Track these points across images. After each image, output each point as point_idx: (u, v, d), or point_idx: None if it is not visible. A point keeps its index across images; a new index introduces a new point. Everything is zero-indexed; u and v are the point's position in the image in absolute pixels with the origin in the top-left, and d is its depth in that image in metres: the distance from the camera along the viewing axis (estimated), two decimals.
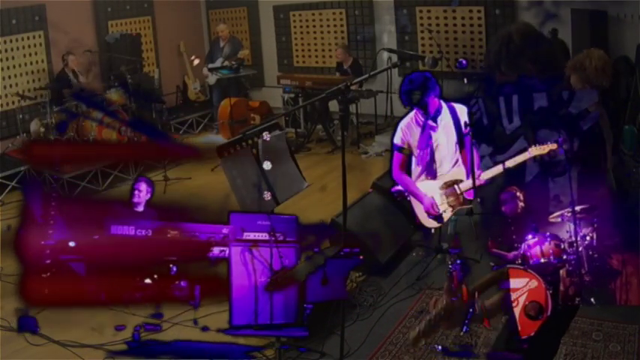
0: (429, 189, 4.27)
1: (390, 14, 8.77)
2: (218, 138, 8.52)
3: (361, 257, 3.64)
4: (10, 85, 7.77)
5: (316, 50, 9.65)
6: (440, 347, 3.75)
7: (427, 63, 7.56)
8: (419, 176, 4.35)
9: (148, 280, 4.27)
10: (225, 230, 4.03)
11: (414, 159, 4.34)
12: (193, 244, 4.14)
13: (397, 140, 4.30)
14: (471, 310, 3.98)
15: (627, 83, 5.83)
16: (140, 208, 4.69)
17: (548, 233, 3.98)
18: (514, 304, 3.68)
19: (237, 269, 3.64)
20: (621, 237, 3.89)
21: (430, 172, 4.29)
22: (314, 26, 9.56)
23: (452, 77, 7.83)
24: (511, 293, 3.71)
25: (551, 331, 2.10)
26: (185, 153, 7.12)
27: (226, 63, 8.86)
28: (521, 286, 3.70)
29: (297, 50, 9.86)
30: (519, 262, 3.98)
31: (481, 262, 4.63)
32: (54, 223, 4.25)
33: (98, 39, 8.90)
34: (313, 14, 9.50)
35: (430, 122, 4.16)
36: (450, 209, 4.25)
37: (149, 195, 4.73)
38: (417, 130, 4.23)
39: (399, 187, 4.47)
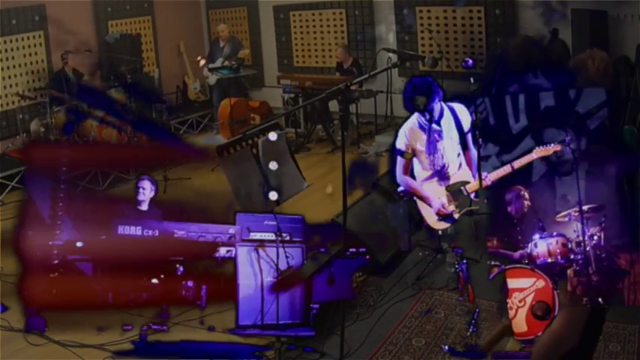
0: (437, 191, 4.28)
1: (390, 14, 8.77)
2: (218, 138, 8.51)
3: (367, 257, 3.64)
4: (10, 85, 7.77)
5: (316, 50, 9.65)
6: (446, 347, 3.75)
7: (427, 63, 7.57)
8: (427, 179, 4.34)
9: (154, 280, 4.27)
10: (231, 230, 4.03)
11: (418, 163, 4.33)
12: (200, 244, 4.14)
13: (400, 145, 4.28)
14: (477, 310, 3.98)
15: (627, 83, 5.83)
16: (144, 207, 4.70)
17: (555, 233, 3.98)
18: (521, 304, 3.68)
19: (243, 269, 3.64)
20: (629, 236, 3.89)
21: (443, 176, 4.29)
22: (314, 26, 9.56)
23: (451, 77, 7.83)
24: (518, 293, 3.71)
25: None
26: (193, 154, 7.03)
27: (226, 63, 8.86)
28: (528, 286, 3.70)
29: (297, 50, 9.86)
30: (526, 261, 3.98)
31: (481, 262, 4.63)
32: (61, 223, 4.26)
33: (98, 39, 8.89)
34: (313, 14, 9.50)
35: (434, 126, 4.15)
36: (458, 211, 4.26)
37: (153, 193, 4.74)
38: (422, 135, 4.21)
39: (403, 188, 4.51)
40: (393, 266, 4.83)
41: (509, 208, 4.43)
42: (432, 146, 4.21)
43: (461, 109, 4.21)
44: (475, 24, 8.04)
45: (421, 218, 4.42)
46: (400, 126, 4.36)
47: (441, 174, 4.28)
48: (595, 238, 3.86)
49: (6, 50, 7.69)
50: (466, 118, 4.20)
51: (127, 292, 4.25)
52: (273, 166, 3.87)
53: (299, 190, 4.54)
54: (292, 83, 8.65)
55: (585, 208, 3.87)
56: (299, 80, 8.64)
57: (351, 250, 3.87)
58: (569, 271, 3.79)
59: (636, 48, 5.79)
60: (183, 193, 6.75)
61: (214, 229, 4.14)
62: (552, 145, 4.07)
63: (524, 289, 3.70)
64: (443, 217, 4.28)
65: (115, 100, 7.64)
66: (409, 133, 4.24)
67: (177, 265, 4.28)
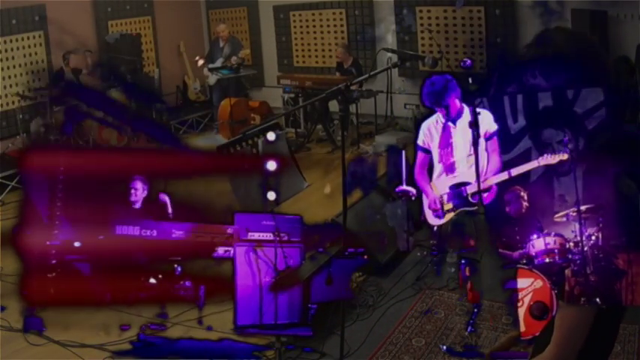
0: (443, 186, 4.33)
1: (390, 14, 8.77)
2: (218, 138, 8.51)
3: (366, 257, 3.65)
4: (10, 85, 7.77)
5: (316, 50, 9.65)
6: (445, 347, 3.75)
7: (427, 63, 7.55)
8: (440, 174, 4.40)
9: (152, 280, 4.27)
10: (229, 230, 4.04)
11: (435, 157, 4.40)
12: (198, 244, 4.15)
13: (419, 141, 4.42)
14: (475, 310, 3.99)
15: (627, 83, 5.82)
16: (137, 207, 4.71)
17: (553, 233, 3.98)
18: (519, 304, 3.68)
19: (241, 269, 3.64)
20: (627, 237, 3.89)
21: (452, 169, 4.34)
22: (314, 26, 9.56)
23: (463, 76, 7.81)
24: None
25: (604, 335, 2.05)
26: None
27: (226, 63, 8.87)
28: (526, 286, 3.70)
29: (297, 50, 9.85)
30: (524, 261, 3.98)
31: (481, 262, 4.63)
32: (59, 223, 4.26)
33: (98, 39, 8.89)
34: (313, 14, 9.50)
35: (450, 124, 4.21)
36: (454, 209, 4.28)
37: (145, 192, 4.75)
38: (438, 132, 4.31)
39: (403, 187, 4.53)
40: (393, 266, 4.83)
41: (507, 209, 4.43)
42: (444, 142, 4.27)
43: (484, 114, 4.23)
44: (475, 24, 8.04)
45: (422, 212, 4.47)
46: (420, 122, 4.48)
47: (451, 168, 4.32)
48: (593, 238, 3.86)
49: (6, 50, 7.69)
50: (487, 124, 4.21)
51: (126, 292, 4.25)
52: (271, 166, 3.87)
53: (299, 190, 4.54)
54: (292, 83, 8.66)
55: (583, 208, 3.87)
56: (299, 80, 8.64)
57: (349, 250, 3.88)
58: (567, 271, 3.80)
59: (636, 48, 5.78)
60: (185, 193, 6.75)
61: (212, 229, 4.14)
62: (559, 153, 4.08)
63: (523, 289, 3.71)
64: (434, 212, 4.36)
65: (114, 99, 7.63)
66: (427, 130, 4.36)
67: (175, 265, 4.28)
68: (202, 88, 9.83)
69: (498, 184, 4.22)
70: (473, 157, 4.26)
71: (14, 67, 7.80)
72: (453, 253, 4.67)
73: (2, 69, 7.66)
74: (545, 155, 4.10)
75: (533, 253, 3.90)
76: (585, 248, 3.72)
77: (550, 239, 3.89)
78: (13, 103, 7.69)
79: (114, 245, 4.11)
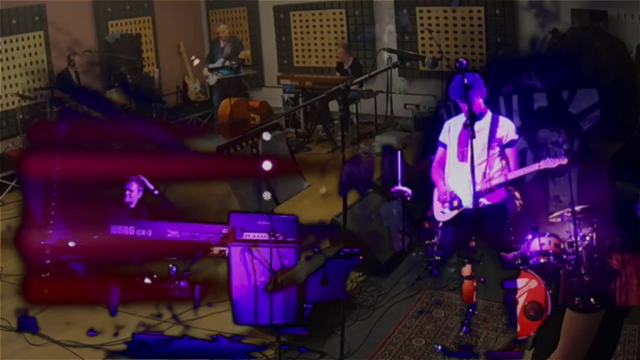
0: (462, 173, 4.29)
1: (390, 14, 8.78)
2: (218, 138, 8.51)
3: (361, 257, 3.65)
4: (10, 85, 7.77)
5: (316, 50, 9.65)
6: (440, 347, 3.75)
7: (427, 63, 7.52)
8: (451, 172, 4.41)
9: (147, 280, 4.27)
10: (224, 230, 4.03)
11: (454, 154, 4.38)
12: (193, 244, 4.14)
13: (441, 137, 4.44)
14: (470, 310, 3.99)
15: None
16: (132, 207, 4.71)
17: (548, 233, 3.98)
18: (514, 304, 3.68)
19: (237, 269, 3.64)
20: (621, 237, 3.88)
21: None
22: (314, 26, 9.56)
23: (452, 77, 7.82)
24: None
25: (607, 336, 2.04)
26: None
27: (227, 63, 8.87)
28: (521, 287, 3.71)
29: (297, 50, 9.86)
30: (519, 262, 3.98)
31: (481, 262, 4.63)
32: (54, 223, 4.25)
33: (98, 39, 8.90)
34: (313, 14, 9.50)
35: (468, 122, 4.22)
36: (458, 207, 4.30)
37: (140, 194, 4.74)
38: (458, 130, 4.32)
39: (399, 188, 4.53)
40: (393, 266, 4.83)
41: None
42: (464, 139, 4.27)
43: (503, 122, 4.23)
44: (475, 24, 8.05)
45: (429, 207, 4.48)
46: (444, 120, 4.50)
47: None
48: (587, 238, 3.86)
49: (6, 50, 7.69)
50: (505, 131, 4.21)
51: (120, 292, 4.25)
52: (267, 166, 3.86)
53: (299, 191, 4.53)
54: (292, 83, 8.66)
55: (578, 208, 3.87)
56: (299, 80, 8.65)
57: (344, 250, 3.89)
58: (562, 272, 3.80)
59: (636, 48, 5.79)
60: (183, 193, 6.75)
61: (207, 229, 4.13)
62: (559, 158, 4.08)
63: (517, 289, 3.72)
64: (443, 203, 4.36)
65: (112, 101, 7.63)
66: (450, 126, 4.38)
67: (171, 265, 4.28)
68: (202, 88, 9.84)
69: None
70: (485, 159, 4.29)
71: (14, 67, 7.81)
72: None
73: (2, 69, 7.66)
74: (547, 159, 4.11)
75: (528, 254, 3.91)
76: (580, 249, 3.72)
77: (545, 240, 3.90)
78: (13, 103, 7.69)
79: (109, 245, 4.10)
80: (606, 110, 1.65)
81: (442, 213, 4.36)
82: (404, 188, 4.61)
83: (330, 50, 9.42)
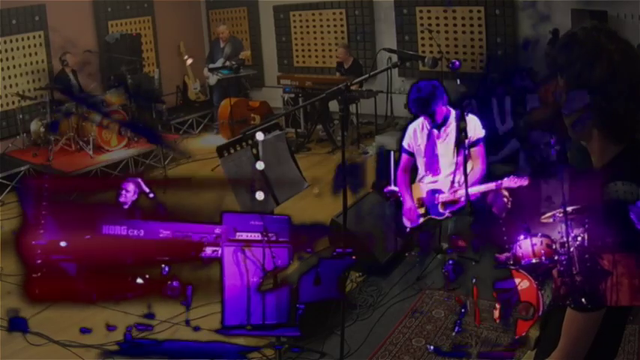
0: (424, 189, 4.45)
1: (390, 14, 8.78)
2: (218, 138, 8.52)
3: (354, 257, 3.65)
4: (10, 85, 7.78)
5: (316, 50, 9.66)
6: (432, 347, 3.76)
7: (427, 63, 7.54)
8: (422, 177, 4.50)
9: (139, 280, 4.27)
10: (217, 230, 4.03)
11: (420, 163, 4.45)
12: (186, 244, 4.13)
13: (405, 143, 4.47)
14: (463, 310, 3.99)
15: None
16: (126, 208, 4.71)
17: (540, 234, 3.99)
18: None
19: (229, 269, 3.63)
20: (612, 237, 3.88)
21: (435, 174, 4.43)
22: (314, 26, 9.56)
23: (451, 77, 7.83)
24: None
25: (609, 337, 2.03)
26: None
27: (227, 63, 8.87)
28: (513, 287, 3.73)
29: (297, 50, 9.86)
30: (511, 262, 4.00)
31: (480, 262, 4.64)
32: (45, 223, 4.24)
33: (98, 39, 8.90)
34: (313, 14, 9.50)
35: (435, 131, 4.23)
36: (424, 215, 4.44)
37: (136, 196, 4.74)
38: (423, 138, 4.36)
39: (391, 188, 4.56)
40: (393, 266, 4.83)
41: (493, 209, 4.45)
42: (429, 149, 4.29)
43: (470, 119, 4.22)
44: (475, 24, 8.05)
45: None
46: (409, 124, 4.51)
47: (433, 175, 4.42)
48: (579, 239, 3.85)
49: (6, 50, 7.70)
50: (472, 129, 4.20)
51: (112, 292, 4.24)
52: (260, 166, 3.85)
53: (299, 191, 4.53)
54: (292, 83, 8.66)
55: (569, 209, 3.87)
56: (299, 80, 8.65)
57: (337, 250, 3.90)
58: (554, 272, 3.80)
59: (637, 48, 5.78)
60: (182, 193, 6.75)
61: (200, 228, 4.12)
62: (521, 179, 4.13)
63: (510, 289, 3.73)
64: (408, 220, 4.50)
65: (113, 101, 7.63)
66: (413, 133, 4.41)
67: (163, 265, 4.27)
68: (202, 88, 9.84)
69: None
70: (454, 165, 4.31)
71: (14, 67, 7.81)
72: (453, 254, 4.68)
73: (2, 69, 7.66)
74: (509, 178, 4.14)
75: (520, 254, 3.92)
76: (571, 249, 3.72)
77: (537, 240, 3.91)
78: (13, 103, 7.69)
79: (100, 245, 4.08)
80: (614, 113, 1.64)
81: (408, 225, 4.43)
82: (396, 188, 4.62)
83: (330, 50, 9.42)
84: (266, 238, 3.69)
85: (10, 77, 7.78)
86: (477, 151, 4.27)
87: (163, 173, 7.25)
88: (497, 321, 3.87)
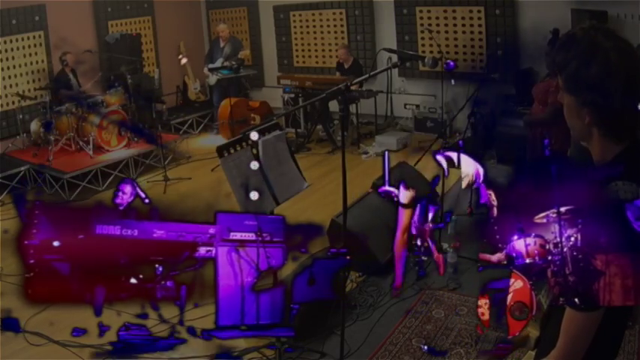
0: None
1: (390, 14, 8.78)
2: (218, 138, 8.53)
3: (348, 257, 3.65)
4: (10, 85, 7.78)
5: (316, 50, 9.66)
6: (426, 347, 3.76)
7: (427, 63, 7.57)
8: None
9: (133, 280, 4.26)
10: (211, 230, 4.02)
11: None
12: (179, 244, 4.12)
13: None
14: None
15: None
16: (121, 209, 4.70)
17: (533, 234, 4.00)
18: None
19: (223, 269, 3.63)
20: (608, 237, 3.88)
21: None
22: (314, 26, 9.56)
23: (447, 78, 7.84)
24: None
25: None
26: None
27: (226, 63, 8.87)
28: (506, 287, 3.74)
29: (297, 50, 9.86)
30: (505, 262, 4.01)
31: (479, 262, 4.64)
32: (38, 222, 4.23)
33: (98, 39, 8.90)
34: (313, 14, 9.50)
35: None
36: None
37: (132, 197, 4.73)
38: None
39: (386, 188, 4.57)
40: (393, 266, 4.82)
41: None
42: None
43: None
44: (475, 24, 8.05)
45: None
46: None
47: None
48: (572, 239, 3.85)
49: (6, 50, 7.70)
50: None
51: (106, 291, 4.23)
52: (254, 166, 3.85)
53: (299, 191, 4.53)
54: (292, 83, 8.66)
55: (563, 209, 3.87)
56: (299, 80, 8.65)
57: (331, 250, 3.90)
58: (548, 272, 3.81)
59: (637, 48, 5.78)
60: (183, 193, 6.76)
61: (194, 228, 4.12)
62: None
63: (503, 289, 3.74)
64: None
65: (112, 102, 7.62)
66: None
67: (157, 265, 4.26)
68: (202, 88, 9.84)
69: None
70: None
71: (14, 67, 7.81)
72: (454, 254, 4.68)
73: (2, 69, 7.66)
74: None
75: (514, 254, 3.93)
76: (565, 249, 3.72)
77: (530, 240, 3.91)
78: (13, 103, 7.69)
79: (94, 245, 4.07)
80: (611, 110, 1.65)
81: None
82: (391, 189, 4.62)
83: (330, 50, 9.43)
84: (260, 238, 3.69)
85: (10, 77, 7.78)
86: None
87: (164, 173, 7.25)
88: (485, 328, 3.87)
